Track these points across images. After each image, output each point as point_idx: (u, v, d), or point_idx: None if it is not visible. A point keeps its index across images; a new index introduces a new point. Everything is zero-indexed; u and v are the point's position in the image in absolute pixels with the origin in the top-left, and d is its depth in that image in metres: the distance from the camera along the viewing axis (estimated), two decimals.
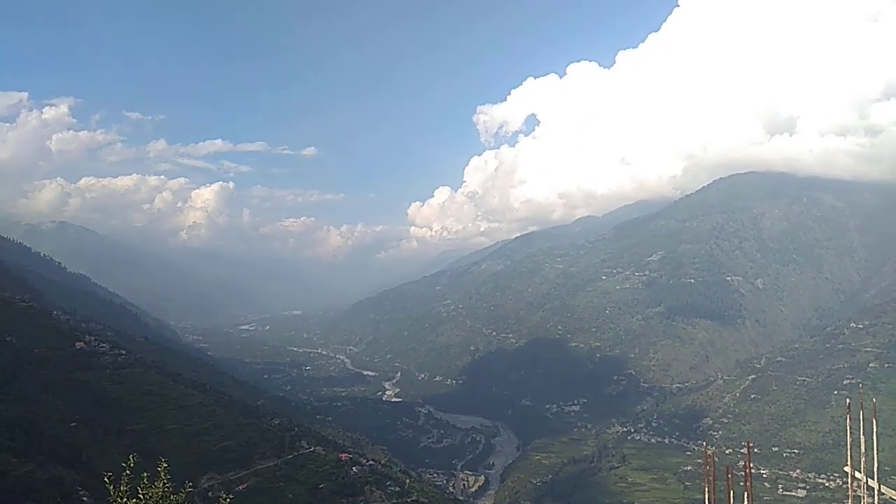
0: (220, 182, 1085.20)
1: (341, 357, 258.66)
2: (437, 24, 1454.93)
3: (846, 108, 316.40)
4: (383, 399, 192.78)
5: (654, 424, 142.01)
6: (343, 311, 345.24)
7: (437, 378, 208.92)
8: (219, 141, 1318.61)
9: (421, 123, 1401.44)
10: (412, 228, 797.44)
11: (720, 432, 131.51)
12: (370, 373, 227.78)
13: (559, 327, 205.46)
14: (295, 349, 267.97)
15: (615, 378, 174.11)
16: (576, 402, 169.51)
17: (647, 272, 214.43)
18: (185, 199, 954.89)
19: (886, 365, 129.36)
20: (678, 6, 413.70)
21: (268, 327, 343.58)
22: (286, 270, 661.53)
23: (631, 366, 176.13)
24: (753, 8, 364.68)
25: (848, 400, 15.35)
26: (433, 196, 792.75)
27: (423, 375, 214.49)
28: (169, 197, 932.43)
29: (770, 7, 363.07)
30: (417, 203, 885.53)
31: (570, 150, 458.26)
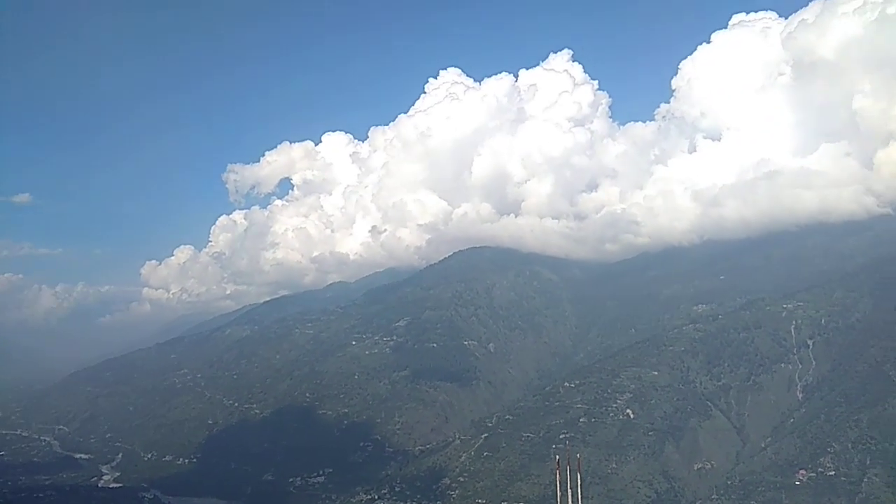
0: None
1: (47, 438, 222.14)
2: (189, 67, 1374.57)
3: (560, 197, 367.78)
4: (99, 486, 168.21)
5: (397, 489, 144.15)
6: (52, 384, 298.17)
7: (168, 457, 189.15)
8: None
9: (162, 174, 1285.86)
10: (146, 290, 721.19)
11: (457, 491, 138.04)
12: (84, 456, 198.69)
13: (307, 395, 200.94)
14: None
15: (361, 444, 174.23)
16: (321, 472, 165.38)
17: (394, 337, 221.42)
18: None
19: (593, 419, 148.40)
20: (425, 93, 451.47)
21: None
22: None
23: (377, 431, 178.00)
24: (487, 107, 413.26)
25: (557, 456, 17.30)
26: (173, 255, 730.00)
27: (150, 455, 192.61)
28: None
29: (498, 110, 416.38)
30: (153, 262, 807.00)
31: (324, 215, 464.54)
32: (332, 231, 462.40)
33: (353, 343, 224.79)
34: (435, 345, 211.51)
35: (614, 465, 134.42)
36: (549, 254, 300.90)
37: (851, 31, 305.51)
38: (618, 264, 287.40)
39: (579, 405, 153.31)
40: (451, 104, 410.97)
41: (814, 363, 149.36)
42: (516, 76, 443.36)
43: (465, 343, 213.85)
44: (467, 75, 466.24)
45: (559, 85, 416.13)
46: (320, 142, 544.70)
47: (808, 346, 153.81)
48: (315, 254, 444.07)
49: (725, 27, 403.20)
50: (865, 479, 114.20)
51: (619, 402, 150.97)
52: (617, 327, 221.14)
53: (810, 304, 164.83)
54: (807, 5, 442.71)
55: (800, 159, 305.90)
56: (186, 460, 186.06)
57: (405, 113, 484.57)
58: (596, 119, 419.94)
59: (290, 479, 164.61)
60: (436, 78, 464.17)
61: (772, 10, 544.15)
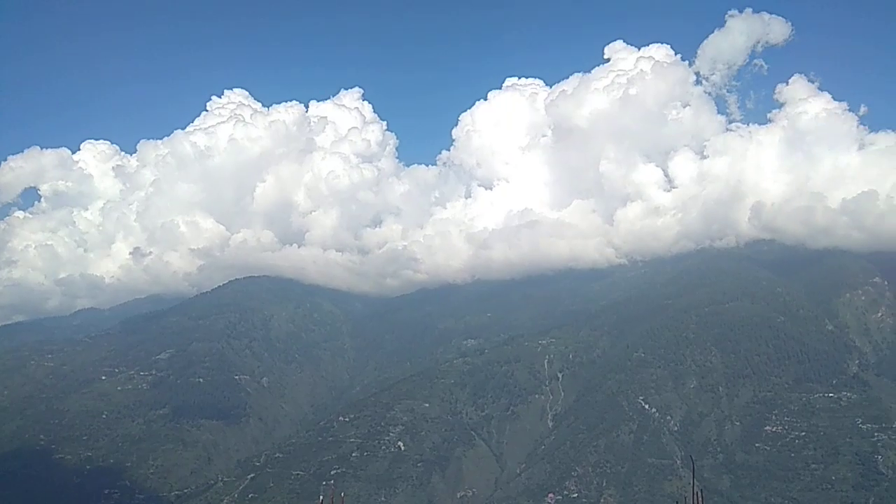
0: None
1: None
2: None
3: (344, 230, 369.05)
4: None
5: None
6: None
7: None
8: None
9: None
10: None
11: None
12: None
13: (41, 437, 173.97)
14: None
15: (107, 492, 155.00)
16: None
17: (153, 371, 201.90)
18: None
19: (366, 453, 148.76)
20: (207, 111, 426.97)
21: None
22: None
23: (127, 475, 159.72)
24: (274, 133, 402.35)
25: (321, 496, 17.04)
26: None
27: None
28: None
29: (286, 138, 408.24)
30: None
31: (77, 232, 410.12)
32: (86, 250, 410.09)
33: (103, 378, 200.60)
34: (201, 379, 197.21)
35: (383, 499, 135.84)
36: (331, 286, 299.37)
37: (601, 104, 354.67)
38: (397, 299, 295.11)
39: (353, 439, 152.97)
40: (236, 126, 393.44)
41: (562, 394, 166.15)
42: (307, 106, 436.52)
43: (236, 377, 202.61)
44: (255, 98, 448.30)
45: (349, 121, 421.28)
46: (79, 149, 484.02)
47: (559, 378, 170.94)
48: (62, 275, 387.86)
49: (500, 87, 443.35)
50: (602, 500, 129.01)
51: (391, 434, 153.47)
52: (394, 360, 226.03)
53: (561, 340, 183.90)
54: (567, 78, 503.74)
55: (556, 212, 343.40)
56: None
57: (182, 129, 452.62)
58: (384, 158, 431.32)
59: None
60: (220, 97, 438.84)
61: (540, 77, 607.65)
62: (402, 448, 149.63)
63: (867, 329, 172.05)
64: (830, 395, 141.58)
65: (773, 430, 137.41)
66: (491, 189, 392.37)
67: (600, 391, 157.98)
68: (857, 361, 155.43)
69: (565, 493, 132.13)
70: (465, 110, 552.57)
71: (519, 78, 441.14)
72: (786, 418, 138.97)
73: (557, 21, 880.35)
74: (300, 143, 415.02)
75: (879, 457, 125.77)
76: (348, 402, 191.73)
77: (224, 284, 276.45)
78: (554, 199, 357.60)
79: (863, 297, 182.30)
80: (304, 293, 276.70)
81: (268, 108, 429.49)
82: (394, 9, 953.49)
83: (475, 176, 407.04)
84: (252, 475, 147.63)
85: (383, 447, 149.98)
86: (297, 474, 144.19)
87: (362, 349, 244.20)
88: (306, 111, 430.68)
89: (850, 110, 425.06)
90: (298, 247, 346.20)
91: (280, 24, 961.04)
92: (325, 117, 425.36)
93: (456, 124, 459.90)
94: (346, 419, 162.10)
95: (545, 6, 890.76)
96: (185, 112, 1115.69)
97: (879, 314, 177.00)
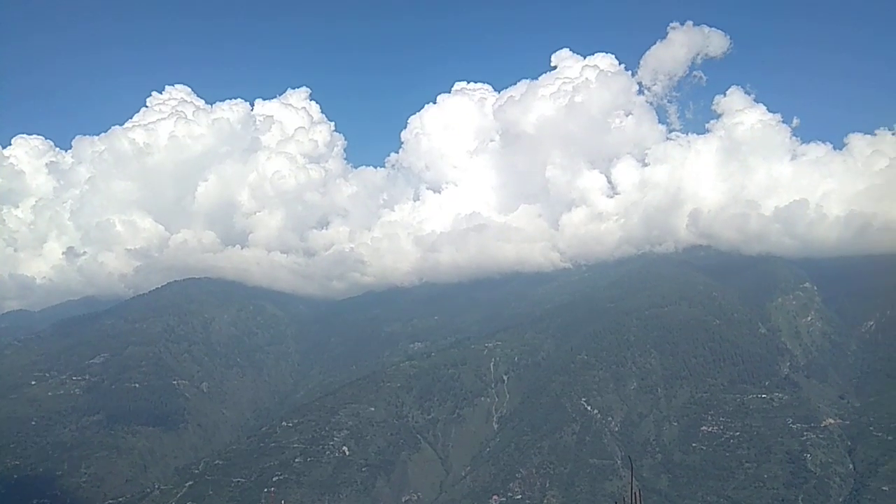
0: None
1: None
2: None
3: (290, 231, 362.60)
4: None
5: None
6: None
7: None
8: None
9: None
10: None
11: None
12: None
13: None
14: None
15: (35, 502, 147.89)
16: None
17: (87, 376, 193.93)
18: None
19: (309, 459, 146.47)
20: (147, 107, 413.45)
21: None
22: None
23: (58, 485, 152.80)
24: (218, 131, 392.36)
25: (263, 501, 16.58)
26: None
27: None
28: None
29: (231, 136, 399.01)
30: None
31: (6, 230, 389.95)
32: (15, 250, 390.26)
33: (33, 382, 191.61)
34: (137, 385, 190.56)
35: None
36: (275, 288, 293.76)
37: (548, 111, 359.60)
38: (343, 302, 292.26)
39: (296, 445, 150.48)
40: (177, 123, 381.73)
41: (508, 396, 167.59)
42: (252, 105, 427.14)
43: (175, 382, 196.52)
44: (198, 95, 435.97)
45: (296, 121, 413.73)
46: (10, 144, 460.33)
47: (504, 381, 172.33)
48: None
49: (449, 91, 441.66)
50: (545, 501, 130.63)
51: (336, 439, 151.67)
52: (339, 364, 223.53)
53: (507, 343, 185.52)
54: (515, 84, 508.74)
55: (503, 216, 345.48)
56: None
57: (120, 125, 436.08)
58: (331, 159, 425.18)
59: None
60: (161, 92, 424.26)
61: (488, 82, 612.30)
62: (347, 453, 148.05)
63: (798, 332, 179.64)
64: (763, 395, 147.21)
65: (709, 430, 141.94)
66: (439, 192, 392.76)
67: (545, 393, 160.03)
68: (788, 363, 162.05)
69: (509, 494, 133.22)
70: (415, 113, 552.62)
71: (468, 82, 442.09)
72: (721, 418, 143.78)
73: (506, 27, 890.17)
74: (245, 141, 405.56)
75: (808, 455, 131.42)
76: (292, 406, 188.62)
77: (162, 286, 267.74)
78: (501, 204, 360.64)
79: (794, 302, 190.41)
80: (246, 295, 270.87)
81: (211, 105, 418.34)
82: (343, 10, 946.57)
83: (424, 179, 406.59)
84: (190, 483, 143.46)
85: (327, 452, 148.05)
86: (238, 481, 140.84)
87: (307, 353, 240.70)
88: (252, 109, 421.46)
89: (783, 122, 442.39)
90: (242, 248, 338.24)
91: (225, 20, 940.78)
92: (272, 116, 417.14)
93: (405, 127, 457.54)
94: (290, 424, 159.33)
95: (494, 13, 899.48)
96: (123, 108, 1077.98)
97: (809, 318, 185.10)
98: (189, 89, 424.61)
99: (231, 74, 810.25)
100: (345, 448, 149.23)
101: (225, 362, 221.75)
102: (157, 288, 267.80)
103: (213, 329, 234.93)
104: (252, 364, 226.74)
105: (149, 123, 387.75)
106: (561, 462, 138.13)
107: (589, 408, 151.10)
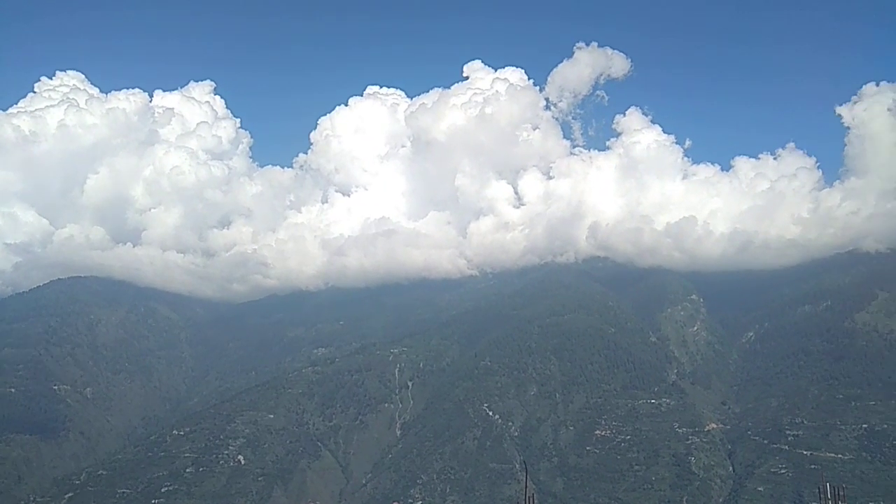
0: None
1: None
2: None
3: (188, 230, 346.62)
4: None
5: None
6: None
7: None
8: None
9: None
10: None
11: None
12: None
13: None
14: None
15: None
16: None
17: None
18: None
19: (202, 468, 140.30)
20: (34, 93, 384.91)
21: None
22: None
23: None
24: (112, 122, 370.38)
25: None
26: None
27: None
28: None
29: (126, 127, 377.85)
30: None
31: None
32: None
33: None
34: (13, 390, 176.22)
35: None
36: (169, 289, 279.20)
37: (458, 120, 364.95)
38: (244, 305, 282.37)
39: (188, 454, 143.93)
40: (68, 111, 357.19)
41: (412, 402, 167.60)
42: (151, 95, 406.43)
43: (55, 387, 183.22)
44: (92, 83, 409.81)
45: (199, 115, 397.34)
46: None
47: (409, 387, 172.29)
48: None
49: (361, 95, 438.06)
50: None
51: (231, 448, 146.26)
52: (238, 370, 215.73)
53: (412, 349, 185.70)
54: (428, 91, 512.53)
55: (412, 222, 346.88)
56: None
57: (3, 110, 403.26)
58: (235, 156, 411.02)
59: None
60: (51, 78, 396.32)
61: (401, 88, 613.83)
62: (243, 462, 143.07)
63: (685, 341, 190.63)
64: (652, 401, 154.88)
65: (603, 434, 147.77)
66: (348, 195, 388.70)
67: (448, 399, 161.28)
68: (675, 370, 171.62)
69: (410, 501, 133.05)
70: (325, 114, 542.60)
71: (381, 87, 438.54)
72: (614, 423, 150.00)
73: (421, 35, 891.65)
74: (141, 134, 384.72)
75: (692, 458, 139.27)
76: (184, 414, 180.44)
77: (44, 284, 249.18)
78: (410, 209, 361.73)
79: (682, 312, 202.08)
80: (137, 296, 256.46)
81: (106, 94, 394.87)
82: (252, 4, 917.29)
83: (333, 181, 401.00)
84: (70, 494, 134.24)
85: (221, 461, 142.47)
86: (123, 492, 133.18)
87: (202, 358, 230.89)
88: (150, 101, 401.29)
89: (676, 143, 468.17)
90: (134, 246, 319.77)
91: (126, 4, 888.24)
92: (172, 109, 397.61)
93: (315, 128, 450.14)
94: (181, 433, 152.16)
95: (409, 20, 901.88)
96: (7, 93, 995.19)
97: (695, 328, 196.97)
98: (83, 76, 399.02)
99: (129, 63, 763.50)
100: (240, 457, 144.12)
101: (111, 367, 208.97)
102: (39, 286, 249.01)
103: (99, 331, 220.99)
104: (141, 369, 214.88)
105: (36, 110, 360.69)
106: (462, 467, 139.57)
107: (490, 413, 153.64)
